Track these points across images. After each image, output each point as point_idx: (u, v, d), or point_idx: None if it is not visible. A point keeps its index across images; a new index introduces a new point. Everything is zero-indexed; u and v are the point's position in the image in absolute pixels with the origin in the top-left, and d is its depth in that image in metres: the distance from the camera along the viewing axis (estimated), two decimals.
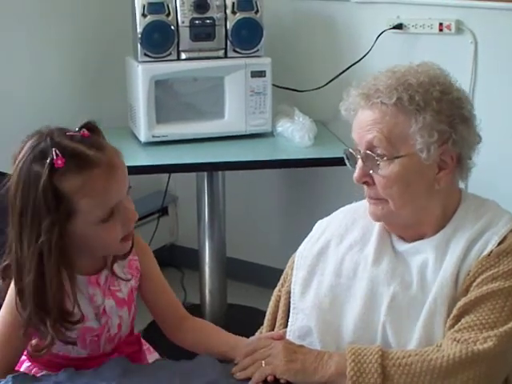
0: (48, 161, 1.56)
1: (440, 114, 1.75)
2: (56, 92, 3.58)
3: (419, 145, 1.75)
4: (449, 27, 3.26)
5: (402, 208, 1.80)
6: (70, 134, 1.62)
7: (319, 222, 2.05)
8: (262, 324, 2.02)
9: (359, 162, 1.81)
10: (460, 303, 1.71)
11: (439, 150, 1.76)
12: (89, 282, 1.73)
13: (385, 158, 1.77)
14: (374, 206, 1.84)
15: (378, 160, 1.77)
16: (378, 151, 1.77)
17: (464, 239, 1.79)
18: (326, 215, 2.06)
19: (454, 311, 1.71)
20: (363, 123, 1.80)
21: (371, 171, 1.79)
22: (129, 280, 1.79)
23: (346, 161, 1.88)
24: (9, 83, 3.37)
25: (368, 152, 1.79)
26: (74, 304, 1.65)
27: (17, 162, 1.61)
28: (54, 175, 1.56)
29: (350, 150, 1.85)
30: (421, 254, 1.82)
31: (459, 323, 1.69)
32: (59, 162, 1.56)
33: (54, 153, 1.56)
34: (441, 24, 3.27)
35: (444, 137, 1.76)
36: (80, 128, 1.63)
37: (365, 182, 1.82)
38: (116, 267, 1.77)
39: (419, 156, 1.76)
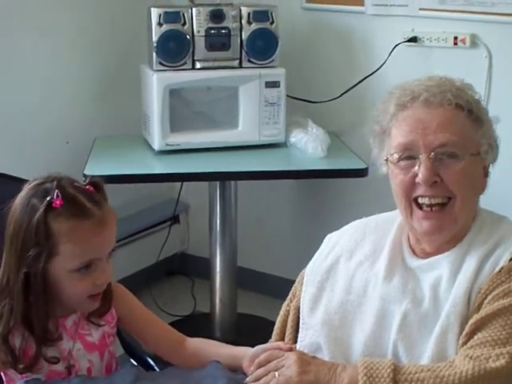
0: (48, 198, 1.66)
1: (489, 120, 1.81)
2: (71, 100, 3.60)
3: (484, 146, 1.78)
4: (463, 41, 3.26)
5: (464, 208, 1.78)
6: (77, 184, 1.72)
7: (328, 236, 2.04)
8: (271, 334, 2.02)
9: (427, 163, 1.75)
10: (472, 320, 1.70)
11: (492, 155, 1.81)
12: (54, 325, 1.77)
13: (458, 155, 1.75)
14: (436, 219, 1.78)
15: (449, 159, 1.75)
16: (451, 149, 1.75)
17: (477, 256, 1.77)
18: (338, 226, 2.05)
19: (466, 329, 1.70)
20: (433, 121, 1.76)
21: (440, 170, 1.76)
22: (101, 325, 1.82)
23: (392, 164, 1.81)
24: (24, 91, 3.39)
25: (440, 150, 1.75)
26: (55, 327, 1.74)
27: (20, 195, 1.71)
28: (49, 213, 1.66)
29: (396, 154, 1.79)
30: (435, 270, 1.80)
31: (472, 340, 1.68)
32: (58, 202, 1.66)
33: (55, 193, 1.66)
34: (455, 38, 3.28)
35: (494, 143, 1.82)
36: (87, 183, 1.73)
37: (433, 183, 1.77)
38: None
39: (483, 158, 1.79)
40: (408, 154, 1.78)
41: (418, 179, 1.76)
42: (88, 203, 1.68)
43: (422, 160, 1.76)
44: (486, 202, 1.88)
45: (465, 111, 1.77)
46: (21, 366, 1.70)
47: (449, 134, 1.75)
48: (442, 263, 1.80)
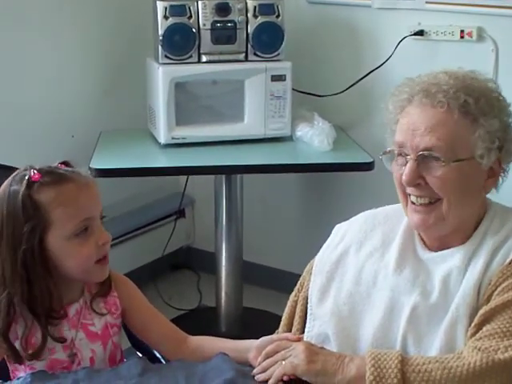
0: (26, 178, 1.71)
1: (500, 121, 1.76)
2: (76, 94, 3.60)
3: (480, 150, 1.73)
4: (470, 34, 3.25)
5: (454, 209, 1.76)
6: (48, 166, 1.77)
7: (337, 226, 2.04)
8: (277, 328, 2.01)
9: (412, 164, 1.75)
10: (481, 312, 1.70)
11: (495, 157, 1.76)
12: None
13: (442, 161, 1.73)
14: (424, 214, 1.79)
15: (434, 163, 1.74)
16: (436, 154, 1.73)
17: (487, 248, 1.77)
18: (344, 220, 2.04)
19: (475, 320, 1.70)
20: (422, 124, 1.74)
21: (424, 173, 1.75)
22: (103, 315, 1.82)
23: (386, 162, 1.84)
24: (29, 85, 3.39)
25: (424, 153, 1.74)
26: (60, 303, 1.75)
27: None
28: (31, 188, 1.70)
29: (395, 150, 1.80)
30: (447, 262, 1.80)
31: (480, 331, 1.68)
32: (36, 176, 1.71)
33: (31, 171, 1.71)
34: (462, 31, 3.27)
35: (500, 144, 1.76)
36: (58, 163, 1.78)
37: (417, 184, 1.77)
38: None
39: (478, 162, 1.74)
40: (402, 152, 1.79)
41: (402, 179, 1.77)
42: (64, 172, 1.74)
43: (408, 160, 1.76)
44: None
45: (458, 113, 1.73)
46: (26, 354, 1.70)
47: (436, 137, 1.73)
48: (454, 256, 1.80)
